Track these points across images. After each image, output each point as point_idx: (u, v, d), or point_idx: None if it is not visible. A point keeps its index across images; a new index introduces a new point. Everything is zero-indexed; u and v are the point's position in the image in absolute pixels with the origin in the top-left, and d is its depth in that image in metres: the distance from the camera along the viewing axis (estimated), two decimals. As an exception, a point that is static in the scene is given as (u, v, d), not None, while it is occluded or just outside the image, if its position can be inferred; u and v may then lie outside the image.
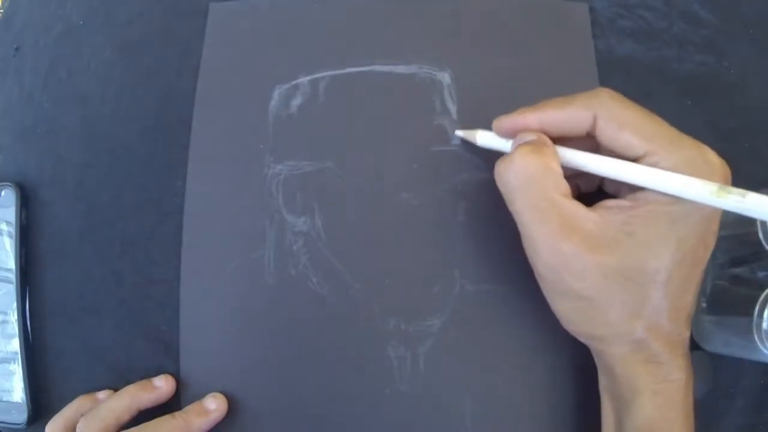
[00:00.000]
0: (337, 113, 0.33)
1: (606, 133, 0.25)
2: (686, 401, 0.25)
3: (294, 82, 0.34)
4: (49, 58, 0.37)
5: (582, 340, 0.27)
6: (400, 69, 0.34)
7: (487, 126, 0.33)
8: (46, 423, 0.32)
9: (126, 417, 0.31)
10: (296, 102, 0.33)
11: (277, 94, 0.34)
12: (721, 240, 0.30)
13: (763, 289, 0.27)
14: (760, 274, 0.29)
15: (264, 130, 0.33)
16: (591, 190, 0.30)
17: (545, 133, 0.26)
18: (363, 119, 0.33)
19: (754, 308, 0.27)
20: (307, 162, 0.33)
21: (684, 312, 0.25)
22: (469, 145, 0.33)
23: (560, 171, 0.25)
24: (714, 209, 0.24)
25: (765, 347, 0.26)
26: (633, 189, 0.25)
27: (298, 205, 0.32)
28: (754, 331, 0.27)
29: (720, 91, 0.35)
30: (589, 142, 0.26)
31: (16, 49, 0.38)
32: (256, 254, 0.32)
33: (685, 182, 0.23)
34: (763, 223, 0.27)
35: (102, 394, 0.32)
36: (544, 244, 0.25)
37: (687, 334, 0.26)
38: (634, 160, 0.25)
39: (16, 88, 0.37)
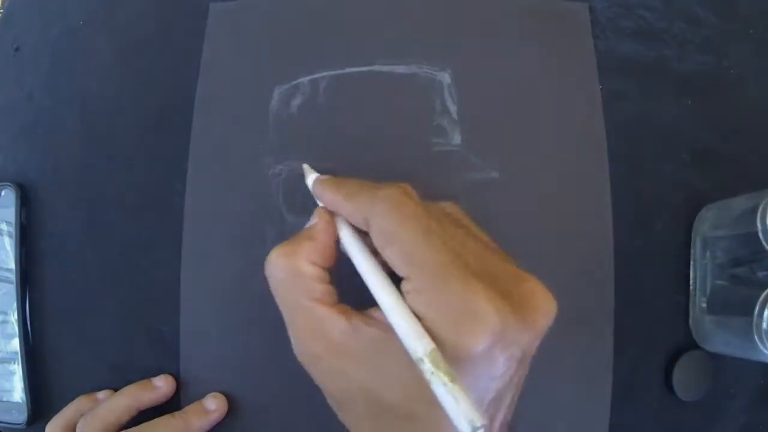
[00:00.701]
0: (337, 113, 0.33)
1: (376, 243, 0.23)
2: None
3: (294, 82, 0.34)
4: (49, 58, 0.37)
5: None
6: (400, 69, 0.33)
7: (488, 124, 0.33)
8: (46, 423, 0.32)
9: (126, 417, 0.31)
10: (296, 102, 0.33)
11: (277, 94, 0.34)
12: (721, 240, 0.30)
13: (763, 289, 0.27)
14: (760, 274, 0.29)
15: (264, 130, 0.33)
16: None
17: (339, 214, 0.26)
18: (363, 119, 0.33)
19: (754, 308, 0.27)
20: (307, 162, 0.33)
21: None
22: (469, 145, 0.33)
23: (313, 273, 0.24)
24: None
25: (765, 347, 0.26)
26: None
27: (298, 205, 0.32)
28: (754, 331, 0.27)
29: (720, 91, 0.35)
30: None
31: (16, 49, 0.38)
32: (256, 254, 0.32)
33: (401, 327, 0.21)
34: (763, 222, 0.27)
35: (102, 394, 0.32)
36: (295, 343, 0.25)
37: None
38: (400, 279, 0.23)
39: (16, 88, 0.37)
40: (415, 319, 0.21)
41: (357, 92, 0.33)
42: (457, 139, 0.33)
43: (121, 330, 0.34)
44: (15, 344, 0.34)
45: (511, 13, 0.34)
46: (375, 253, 0.24)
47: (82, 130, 0.36)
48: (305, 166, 0.31)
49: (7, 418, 0.34)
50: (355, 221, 0.25)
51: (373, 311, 0.24)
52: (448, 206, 0.26)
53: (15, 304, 0.34)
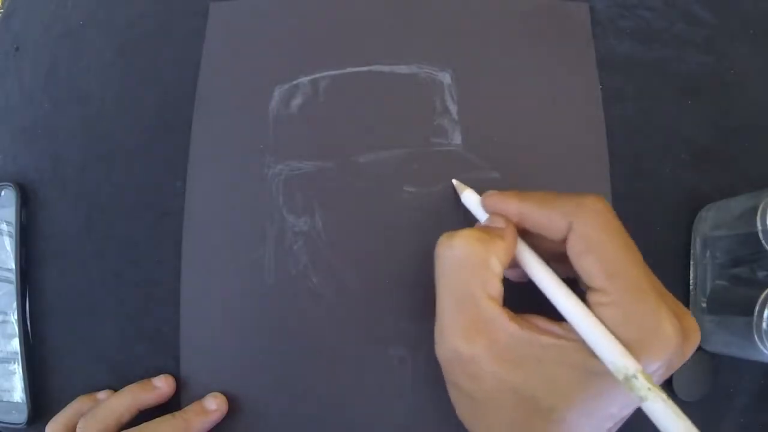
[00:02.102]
0: (337, 113, 0.33)
1: (573, 249, 0.23)
2: None
3: (294, 82, 0.34)
4: (49, 58, 0.37)
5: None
6: (401, 69, 0.33)
7: (488, 124, 0.33)
8: (46, 423, 0.32)
9: (126, 417, 0.31)
10: (296, 102, 0.33)
11: (277, 94, 0.34)
12: (721, 240, 0.30)
13: (763, 289, 0.27)
14: (760, 274, 0.29)
15: (264, 130, 0.33)
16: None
17: (523, 225, 0.25)
18: (363, 119, 0.33)
19: (754, 308, 0.27)
20: (307, 162, 0.33)
21: None
22: (469, 145, 0.33)
23: (498, 271, 0.24)
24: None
25: (765, 347, 0.26)
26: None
27: (299, 205, 0.32)
28: (754, 331, 0.27)
29: (720, 91, 0.35)
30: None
31: (16, 49, 0.38)
32: (256, 254, 0.32)
33: (604, 345, 0.21)
34: (763, 222, 0.27)
35: (102, 394, 0.32)
36: (448, 335, 0.24)
37: None
38: (589, 290, 0.23)
39: (16, 88, 0.37)
40: (614, 338, 0.21)
41: (357, 92, 0.33)
42: (457, 139, 0.33)
43: (121, 330, 0.34)
44: (15, 344, 0.34)
45: (511, 13, 0.34)
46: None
47: (82, 130, 0.36)
48: (456, 182, 0.31)
49: (7, 418, 0.34)
50: (548, 228, 0.24)
51: (538, 320, 0.24)
52: None
53: (15, 304, 0.34)
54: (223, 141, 0.34)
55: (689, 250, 0.33)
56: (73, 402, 0.32)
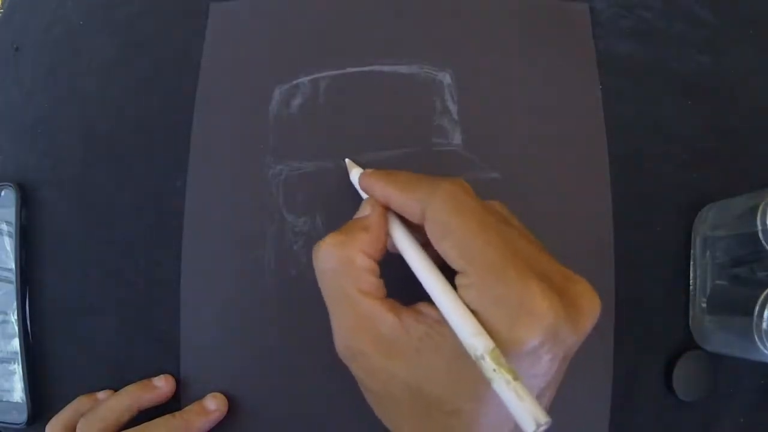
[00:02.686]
0: (337, 113, 0.33)
1: (429, 234, 0.23)
2: None
3: (294, 82, 0.34)
4: (49, 58, 0.37)
5: None
6: (401, 69, 0.34)
7: (488, 124, 0.33)
8: (46, 423, 0.32)
9: (126, 417, 0.31)
10: (297, 102, 0.33)
11: (277, 94, 0.34)
12: (721, 240, 0.30)
13: (763, 289, 0.27)
14: (760, 274, 0.29)
15: (264, 130, 0.33)
16: None
17: (390, 207, 0.25)
18: (363, 119, 0.33)
19: (754, 308, 0.27)
20: (307, 162, 0.33)
21: None
22: (469, 145, 0.33)
23: (366, 265, 0.24)
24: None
25: (765, 347, 0.26)
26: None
27: (299, 205, 0.32)
28: (754, 331, 0.27)
29: (720, 91, 0.35)
30: None
31: (16, 49, 0.38)
32: (256, 254, 0.32)
33: (459, 324, 0.21)
34: (763, 222, 0.27)
35: (102, 394, 0.32)
36: (338, 336, 0.24)
37: None
38: (453, 273, 0.22)
39: (16, 88, 0.37)
40: (471, 316, 0.21)
41: (357, 92, 0.33)
42: (457, 139, 0.33)
43: (121, 330, 0.34)
44: (15, 344, 0.34)
45: (511, 13, 0.34)
46: (425, 246, 0.24)
47: (82, 130, 0.36)
48: (348, 161, 0.31)
49: (7, 418, 0.34)
50: (408, 213, 0.24)
51: (421, 306, 0.24)
52: (497, 205, 0.26)
53: (15, 304, 0.34)
54: (223, 141, 0.34)
55: (689, 250, 0.33)
56: (72, 402, 0.32)
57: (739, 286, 0.30)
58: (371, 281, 0.24)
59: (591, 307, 0.22)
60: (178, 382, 0.32)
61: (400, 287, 0.24)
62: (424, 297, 0.24)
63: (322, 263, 0.24)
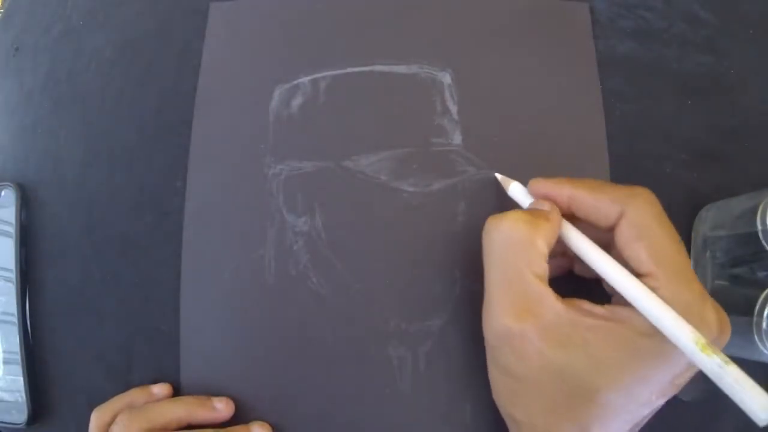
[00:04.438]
0: (337, 113, 0.33)
1: (623, 235, 0.24)
2: None
3: (295, 82, 0.34)
4: (49, 58, 0.37)
5: (502, 415, 0.27)
6: (401, 69, 0.34)
7: (488, 124, 0.33)
8: (46, 423, 0.32)
9: (173, 426, 0.30)
10: (297, 102, 0.33)
11: (277, 93, 0.34)
12: (721, 240, 0.30)
13: (763, 289, 0.27)
14: (760, 274, 0.29)
15: (264, 130, 0.33)
16: (584, 275, 0.29)
17: (573, 210, 0.26)
18: (363, 119, 0.33)
19: (754, 308, 0.27)
20: (307, 162, 0.33)
21: None
22: (469, 145, 0.33)
23: (545, 251, 0.24)
24: (688, 363, 0.23)
25: (765, 347, 0.26)
26: (619, 301, 0.24)
27: (299, 205, 0.32)
28: (754, 331, 0.27)
29: (720, 91, 0.35)
30: (610, 235, 0.25)
31: (16, 49, 0.38)
32: (256, 254, 0.32)
33: (676, 320, 0.22)
34: (763, 222, 0.27)
35: (156, 388, 0.32)
36: (498, 314, 0.25)
37: None
38: (637, 275, 0.23)
39: (16, 88, 0.37)
40: (673, 312, 0.22)
41: (357, 92, 0.33)
42: (457, 139, 0.33)
43: (121, 330, 0.34)
44: (15, 344, 0.34)
45: (511, 13, 0.34)
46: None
47: (82, 130, 0.36)
48: (500, 176, 0.31)
49: (7, 418, 0.34)
50: (598, 214, 0.25)
51: (583, 303, 0.24)
52: None
53: (15, 304, 0.34)
54: (223, 141, 0.34)
55: (689, 250, 0.33)
56: (125, 393, 0.31)
57: (739, 286, 0.30)
58: (544, 267, 0.24)
59: (728, 333, 0.23)
60: (178, 382, 0.32)
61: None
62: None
63: (503, 235, 0.25)
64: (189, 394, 0.32)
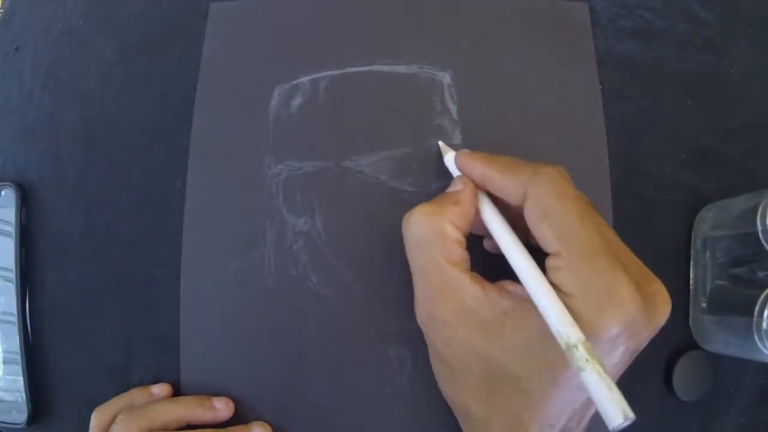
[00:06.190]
0: (337, 113, 0.33)
1: (529, 215, 0.24)
2: None
3: (294, 82, 0.34)
4: (49, 58, 0.37)
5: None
6: (401, 69, 0.34)
7: (488, 124, 0.33)
8: (46, 423, 0.32)
9: (173, 426, 0.29)
10: (296, 102, 0.33)
11: (277, 93, 0.34)
12: (721, 240, 0.30)
13: (763, 289, 0.27)
14: (760, 274, 0.29)
15: (264, 130, 0.33)
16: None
17: (486, 188, 0.26)
18: (363, 119, 0.33)
19: (754, 308, 0.27)
20: (307, 162, 0.33)
21: (552, 429, 0.23)
22: (469, 145, 0.33)
23: (455, 236, 0.25)
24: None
25: (765, 347, 0.26)
26: None
27: (299, 205, 0.32)
28: (754, 331, 0.27)
29: (720, 91, 0.35)
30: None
31: (16, 49, 0.38)
32: (256, 254, 0.32)
33: (551, 310, 0.21)
34: (763, 222, 0.27)
35: (156, 388, 0.32)
36: (421, 304, 0.25)
37: None
38: (547, 254, 0.23)
39: (16, 88, 0.37)
40: (562, 304, 0.21)
41: (357, 92, 0.33)
42: (457, 139, 0.33)
43: (121, 330, 0.34)
44: (15, 344, 0.34)
45: (511, 13, 0.34)
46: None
47: (82, 130, 0.36)
48: (441, 144, 0.31)
49: (7, 418, 0.34)
50: (507, 194, 0.25)
51: (506, 284, 0.24)
52: (585, 197, 0.26)
53: (15, 304, 0.34)
54: (223, 141, 0.34)
55: (689, 250, 0.33)
56: (126, 393, 0.31)
57: (739, 286, 0.30)
58: (459, 253, 0.25)
59: (665, 306, 0.23)
60: (178, 382, 0.32)
61: (480, 269, 0.25)
62: (504, 277, 0.24)
63: (412, 231, 0.25)
64: (189, 394, 0.32)
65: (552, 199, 0.23)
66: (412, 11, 0.34)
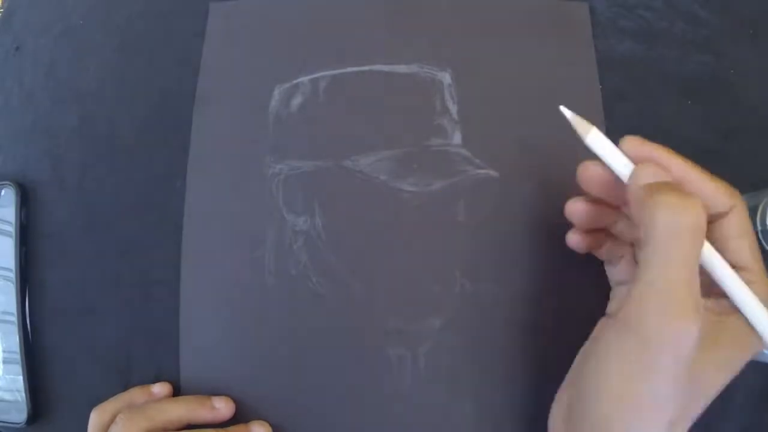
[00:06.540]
0: (337, 113, 0.33)
1: (732, 227, 0.23)
2: None
3: (294, 82, 0.34)
4: (49, 58, 0.37)
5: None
6: (401, 69, 0.34)
7: (488, 124, 0.33)
8: (45, 423, 0.32)
9: (174, 426, 0.29)
10: (296, 101, 0.33)
11: (277, 93, 0.34)
12: (721, 240, 0.30)
13: (763, 289, 0.27)
14: (761, 274, 0.29)
15: (264, 129, 0.33)
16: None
17: (685, 184, 0.24)
18: (363, 119, 0.33)
19: (754, 308, 0.26)
20: (307, 161, 0.33)
21: None
22: (469, 145, 0.33)
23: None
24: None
25: (765, 347, 0.26)
26: (710, 293, 0.23)
27: (298, 205, 0.32)
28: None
29: (720, 91, 0.35)
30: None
31: (16, 48, 0.38)
32: (256, 254, 0.32)
33: (759, 311, 0.22)
34: (763, 222, 0.27)
35: (157, 388, 0.31)
36: (678, 309, 0.21)
37: None
38: (732, 266, 0.23)
39: (16, 87, 0.37)
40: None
41: (357, 92, 0.33)
42: (457, 138, 0.33)
43: (121, 330, 0.33)
44: (15, 344, 0.34)
45: (511, 13, 0.34)
46: None
47: (82, 130, 0.36)
48: (568, 113, 0.26)
49: (7, 417, 0.34)
50: (713, 200, 0.23)
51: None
52: None
53: (15, 304, 0.34)
54: (223, 141, 0.34)
55: (689, 250, 0.33)
56: (125, 392, 0.31)
57: (739, 286, 0.30)
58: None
59: None
60: (178, 382, 0.32)
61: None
62: None
63: (690, 220, 0.21)
64: (189, 393, 0.32)
65: (747, 219, 0.24)
66: (412, 11, 0.34)
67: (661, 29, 0.35)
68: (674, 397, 0.22)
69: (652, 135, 0.34)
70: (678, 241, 0.21)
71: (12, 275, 0.34)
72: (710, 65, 0.35)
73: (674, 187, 0.22)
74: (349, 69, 0.34)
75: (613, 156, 0.24)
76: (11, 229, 0.35)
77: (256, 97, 0.34)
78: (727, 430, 0.32)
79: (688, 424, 0.23)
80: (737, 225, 0.23)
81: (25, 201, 0.35)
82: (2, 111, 0.38)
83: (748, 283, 0.23)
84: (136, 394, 0.31)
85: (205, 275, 0.33)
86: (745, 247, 0.23)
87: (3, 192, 0.35)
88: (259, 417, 0.31)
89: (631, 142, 0.24)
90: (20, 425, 0.34)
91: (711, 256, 0.23)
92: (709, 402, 0.24)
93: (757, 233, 0.27)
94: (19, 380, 0.34)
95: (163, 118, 0.35)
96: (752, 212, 0.28)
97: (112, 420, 0.29)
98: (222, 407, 0.30)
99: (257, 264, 0.32)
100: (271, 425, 0.31)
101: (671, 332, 0.21)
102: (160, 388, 0.31)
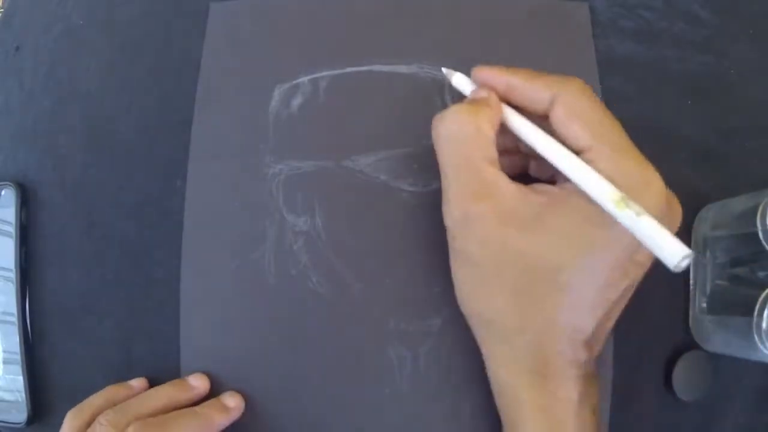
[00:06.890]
0: (337, 113, 0.33)
1: (558, 116, 0.24)
2: (579, 427, 0.24)
3: (294, 82, 0.34)
4: (49, 58, 0.37)
5: (471, 323, 0.27)
6: (401, 69, 0.34)
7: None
8: (45, 423, 0.32)
9: (158, 414, 0.29)
10: (297, 102, 0.33)
11: (277, 93, 0.34)
12: (721, 240, 0.30)
13: (763, 289, 0.27)
14: (760, 274, 0.29)
15: (264, 129, 0.33)
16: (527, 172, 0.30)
17: (508, 97, 0.26)
18: (363, 119, 0.33)
19: (754, 308, 0.27)
20: (307, 161, 0.33)
21: (582, 335, 0.24)
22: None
23: (491, 135, 0.25)
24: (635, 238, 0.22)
25: (765, 347, 0.26)
26: (566, 179, 0.24)
27: (299, 205, 0.32)
28: (754, 331, 0.27)
29: (720, 91, 0.35)
30: (547, 123, 0.25)
31: (16, 49, 0.38)
32: (256, 254, 0.32)
33: (592, 180, 0.22)
34: (763, 222, 0.27)
35: (136, 382, 0.32)
36: (455, 202, 0.25)
37: (585, 358, 0.24)
38: (576, 153, 0.24)
39: (16, 87, 0.37)
40: (591, 171, 0.22)
41: (357, 92, 0.33)
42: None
43: (121, 330, 0.34)
44: (15, 344, 0.34)
45: (511, 12, 0.34)
46: None
47: (82, 130, 0.36)
48: (445, 69, 0.30)
49: (7, 417, 0.34)
50: (533, 99, 0.25)
51: (537, 185, 0.25)
52: None
53: (15, 304, 0.34)
54: (223, 140, 0.34)
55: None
56: (102, 391, 0.31)
57: (739, 286, 0.30)
58: (494, 152, 0.25)
59: (679, 207, 0.25)
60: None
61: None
62: None
63: (447, 127, 0.25)
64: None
65: (583, 101, 0.24)
66: (411, 11, 0.34)
67: (661, 29, 0.35)
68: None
69: (652, 135, 0.34)
70: (441, 149, 0.25)
71: (12, 275, 0.34)
72: (710, 65, 0.35)
73: (470, 102, 0.26)
74: (349, 69, 0.34)
75: (469, 89, 0.28)
76: (11, 229, 0.35)
77: (256, 97, 0.34)
78: (727, 430, 0.32)
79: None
80: (562, 111, 0.24)
81: (25, 201, 0.35)
82: (2, 111, 0.38)
83: (588, 162, 0.23)
84: (115, 392, 0.31)
85: (205, 275, 0.33)
86: (576, 128, 0.23)
87: (3, 192, 0.35)
88: (258, 416, 0.31)
89: (476, 72, 0.27)
90: (20, 425, 0.34)
91: (545, 142, 0.24)
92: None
93: (757, 233, 0.27)
94: (19, 380, 0.34)
95: (163, 118, 0.35)
96: (752, 212, 0.28)
97: (91, 421, 0.28)
98: (199, 384, 0.31)
99: (257, 264, 0.32)
100: (272, 424, 0.31)
101: (449, 222, 0.26)
102: (139, 383, 0.32)
